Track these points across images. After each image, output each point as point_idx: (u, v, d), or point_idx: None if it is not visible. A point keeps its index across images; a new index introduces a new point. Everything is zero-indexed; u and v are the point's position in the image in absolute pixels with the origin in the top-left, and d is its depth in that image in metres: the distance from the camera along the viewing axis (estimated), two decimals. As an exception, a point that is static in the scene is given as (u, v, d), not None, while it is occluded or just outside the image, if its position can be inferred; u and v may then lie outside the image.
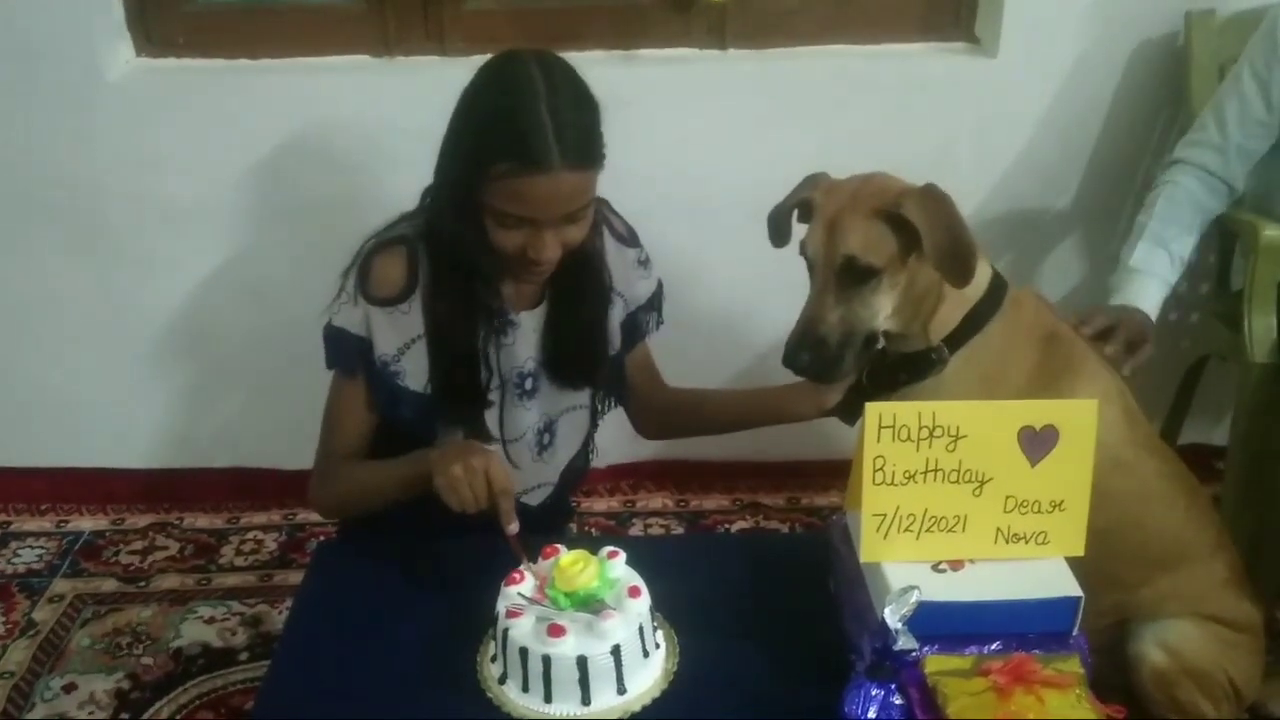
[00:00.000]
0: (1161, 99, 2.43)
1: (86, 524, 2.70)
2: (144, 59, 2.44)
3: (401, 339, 1.57)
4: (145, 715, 2.13)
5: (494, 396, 1.64)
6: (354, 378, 1.61)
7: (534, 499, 1.73)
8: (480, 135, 1.47)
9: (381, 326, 1.57)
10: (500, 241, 1.49)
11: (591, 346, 1.67)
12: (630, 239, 1.73)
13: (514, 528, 1.41)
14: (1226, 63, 2.22)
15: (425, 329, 1.57)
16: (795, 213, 1.63)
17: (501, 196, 1.45)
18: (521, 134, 1.42)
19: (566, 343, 1.65)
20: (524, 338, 1.63)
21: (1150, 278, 2.03)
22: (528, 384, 1.65)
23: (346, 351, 1.59)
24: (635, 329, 1.76)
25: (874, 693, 1.24)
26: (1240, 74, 2.08)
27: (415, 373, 1.59)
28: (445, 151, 1.53)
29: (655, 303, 1.78)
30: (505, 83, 1.47)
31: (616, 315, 1.71)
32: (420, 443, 1.61)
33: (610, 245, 1.69)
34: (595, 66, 2.32)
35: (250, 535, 2.66)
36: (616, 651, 1.28)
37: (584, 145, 1.46)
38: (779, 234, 1.65)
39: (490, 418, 1.65)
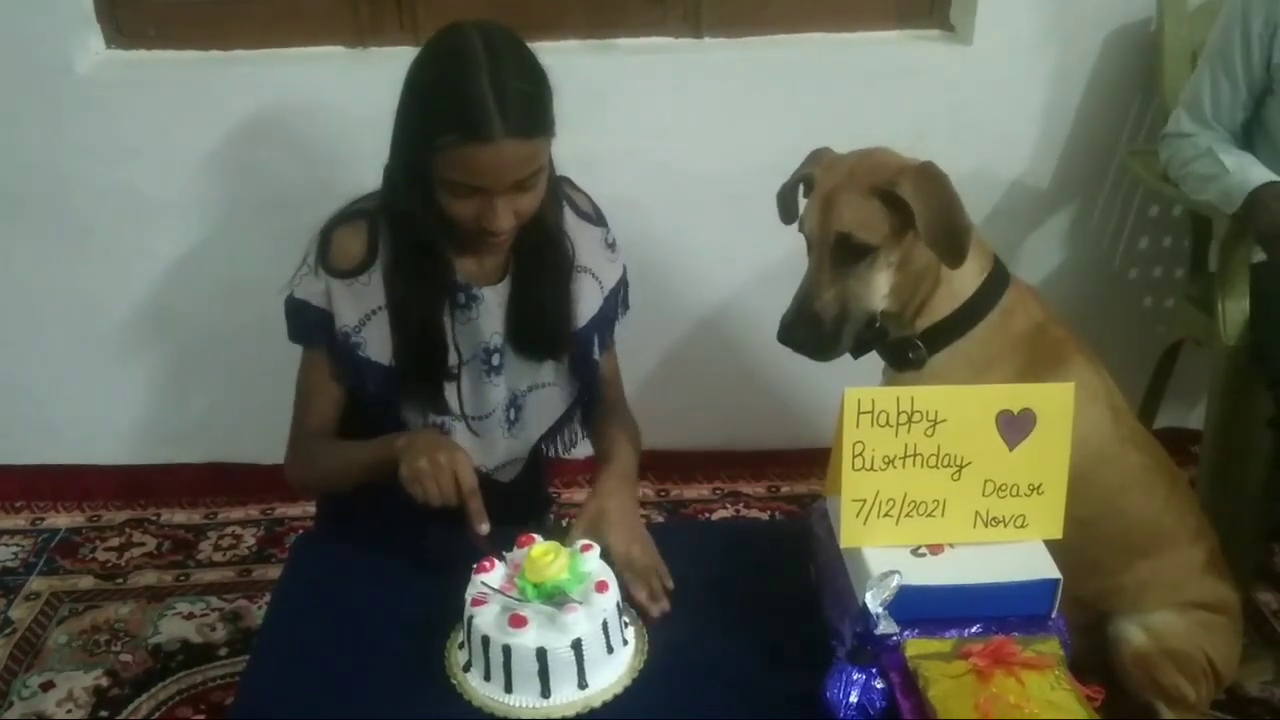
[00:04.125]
0: (1135, 85, 2.44)
1: (62, 521, 2.67)
2: (114, 50, 2.42)
3: (362, 310, 1.59)
4: (124, 712, 2.12)
5: (459, 372, 1.65)
6: (319, 350, 1.63)
7: (505, 475, 1.73)
8: (425, 108, 1.49)
9: (342, 298, 1.58)
10: (454, 211, 1.50)
11: (556, 318, 1.68)
12: (596, 218, 1.73)
13: (485, 528, 1.42)
14: (1199, 48, 2.23)
15: (386, 300, 1.59)
16: (801, 189, 1.63)
17: (450, 167, 1.46)
18: (464, 104, 1.42)
19: (531, 315, 1.65)
20: (488, 312, 1.63)
21: (1253, 163, 2.01)
22: (494, 359, 1.66)
23: (308, 323, 1.60)
24: (607, 320, 1.75)
25: (855, 677, 1.25)
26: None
27: (377, 344, 1.60)
28: (396, 126, 1.54)
29: (621, 288, 1.78)
30: (447, 54, 1.48)
31: (591, 294, 1.70)
32: (386, 418, 1.61)
33: (573, 221, 1.69)
34: (571, 56, 2.37)
35: (228, 530, 2.64)
36: (578, 645, 1.28)
37: (528, 114, 1.46)
38: (787, 211, 1.66)
39: (459, 394, 1.66)
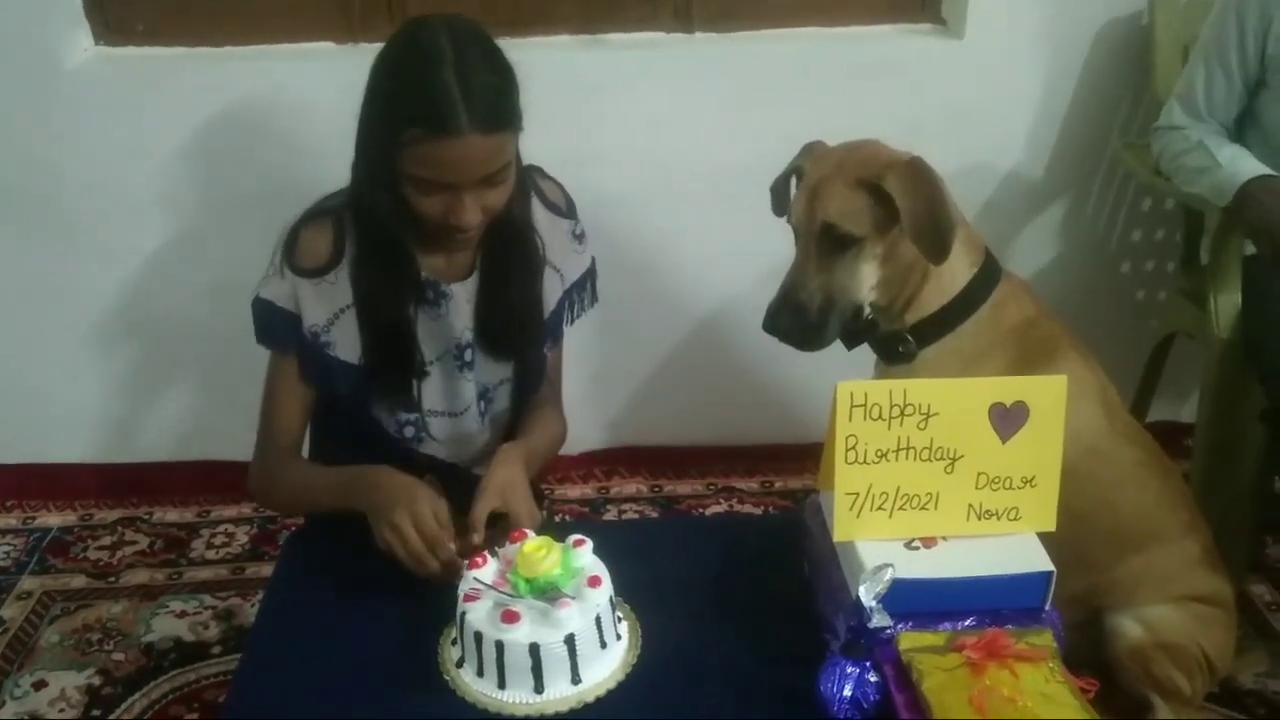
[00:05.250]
0: (1127, 78, 2.44)
1: (54, 520, 2.67)
2: (102, 47, 2.41)
3: (330, 310, 1.58)
4: (117, 711, 2.11)
5: (432, 369, 1.65)
6: (286, 354, 1.62)
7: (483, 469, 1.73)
8: (391, 103, 1.48)
9: (309, 298, 1.58)
10: (421, 208, 1.50)
11: (525, 315, 1.68)
12: (566, 210, 1.73)
13: (466, 565, 1.40)
14: (1190, 42, 2.24)
15: (354, 298, 1.58)
16: (794, 181, 1.63)
17: (415, 162, 1.45)
18: (429, 99, 1.42)
19: (499, 312, 1.65)
20: (458, 309, 1.63)
21: (1245, 156, 2.03)
22: (466, 355, 1.66)
23: (274, 325, 1.60)
24: (560, 316, 1.74)
25: (849, 670, 1.25)
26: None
27: (346, 343, 1.60)
28: (362, 122, 1.54)
29: (588, 281, 1.77)
30: (413, 49, 1.47)
31: (552, 289, 1.70)
32: (358, 417, 1.61)
33: (541, 214, 1.68)
34: (563, 51, 2.36)
35: (221, 528, 2.63)
36: (571, 641, 1.28)
37: (494, 109, 1.45)
38: (779, 204, 1.66)
39: (433, 391, 1.66)
